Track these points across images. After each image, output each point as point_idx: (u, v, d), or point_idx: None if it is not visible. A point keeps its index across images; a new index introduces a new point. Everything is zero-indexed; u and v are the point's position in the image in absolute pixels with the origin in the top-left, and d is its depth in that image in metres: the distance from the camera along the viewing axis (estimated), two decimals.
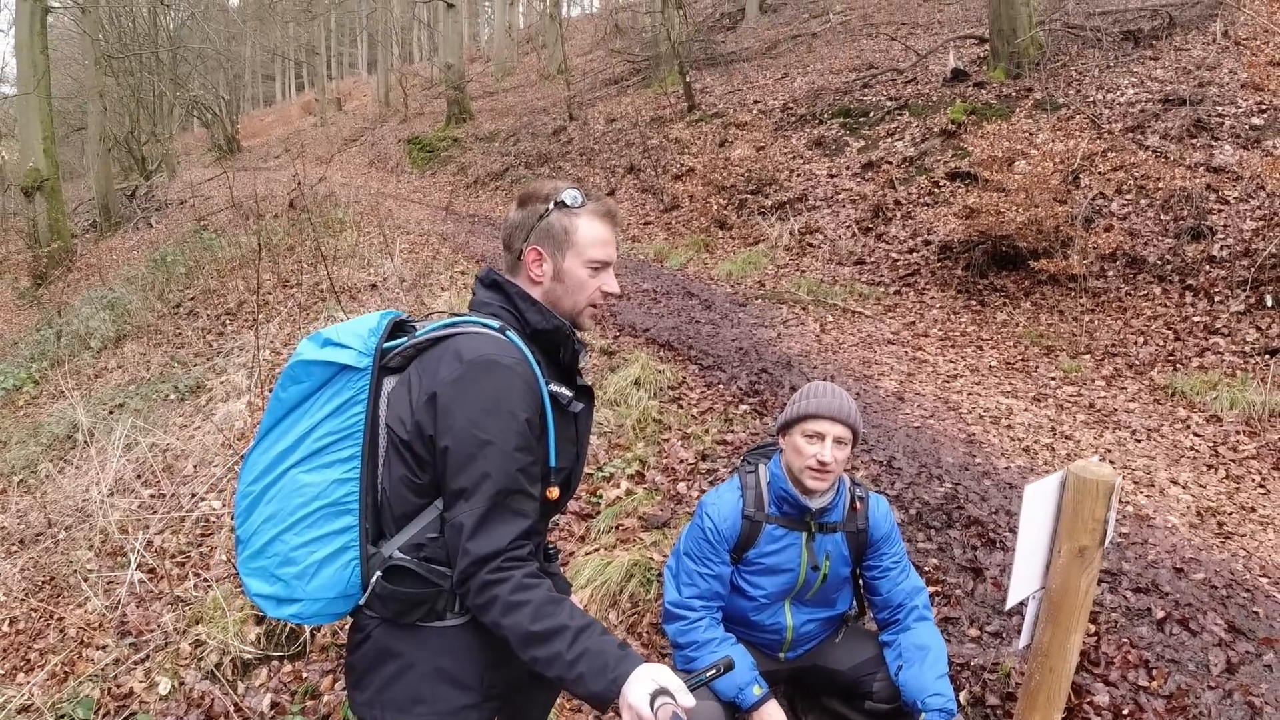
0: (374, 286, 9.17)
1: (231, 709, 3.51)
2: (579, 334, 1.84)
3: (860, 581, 2.76)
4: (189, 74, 27.13)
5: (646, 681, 1.44)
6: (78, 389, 7.66)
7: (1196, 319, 6.79)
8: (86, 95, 20.87)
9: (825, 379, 6.53)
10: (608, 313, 8.29)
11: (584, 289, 1.78)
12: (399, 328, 1.80)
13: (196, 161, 28.63)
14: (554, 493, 1.72)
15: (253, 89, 56.33)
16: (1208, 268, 7.07)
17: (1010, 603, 1.83)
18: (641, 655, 3.56)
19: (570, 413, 1.77)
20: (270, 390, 6.55)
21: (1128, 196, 8.13)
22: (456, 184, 19.47)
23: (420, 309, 8.16)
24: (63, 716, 3.43)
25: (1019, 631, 3.54)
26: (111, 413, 6.89)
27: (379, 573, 1.67)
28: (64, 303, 12.11)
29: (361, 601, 1.71)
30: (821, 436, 2.38)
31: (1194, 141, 8.48)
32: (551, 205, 1.75)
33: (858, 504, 2.62)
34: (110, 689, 3.64)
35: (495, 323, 1.71)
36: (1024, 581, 1.83)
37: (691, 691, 1.47)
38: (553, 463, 1.70)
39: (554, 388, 1.71)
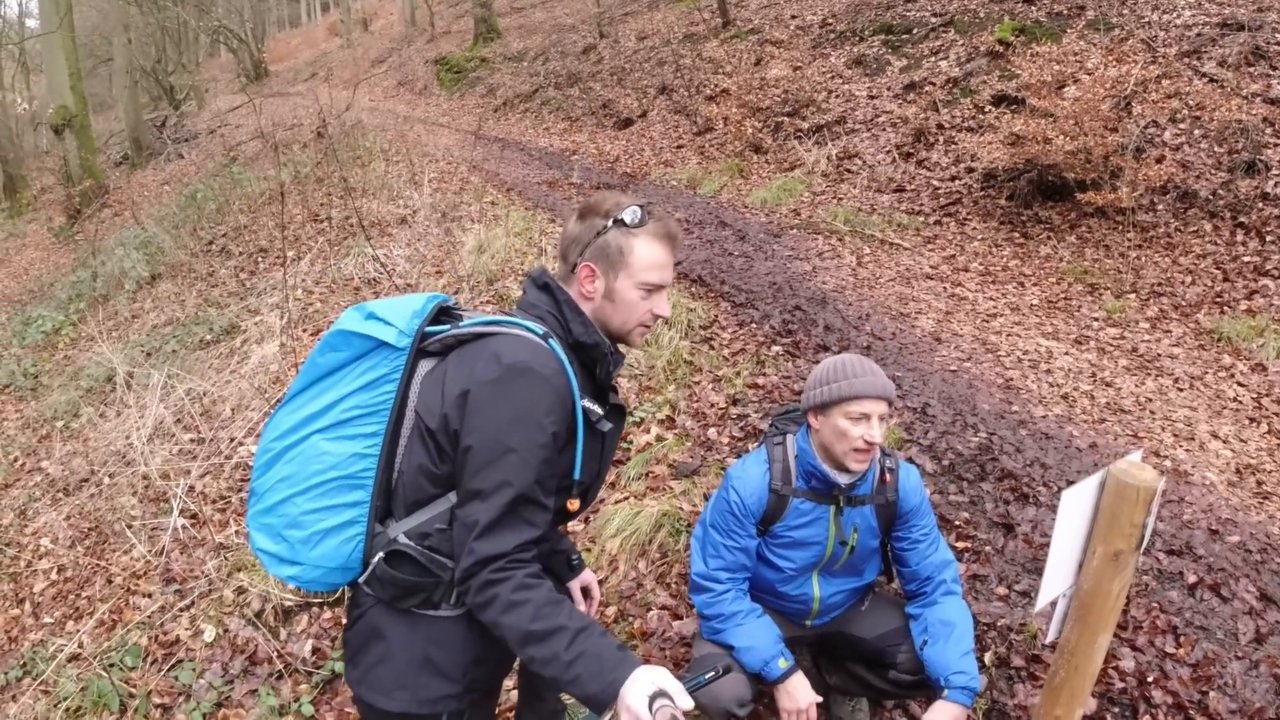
0: (404, 220, 9.10)
1: (274, 655, 3.63)
2: (620, 349, 1.82)
3: (888, 551, 2.74)
4: (212, 0, 26.67)
5: (645, 683, 1.44)
6: (115, 331, 7.79)
7: (1246, 259, 6.52)
8: (111, 27, 20.64)
9: (861, 317, 6.42)
10: None
11: (634, 310, 1.76)
12: (444, 313, 1.79)
13: (225, 88, 28.40)
14: (574, 504, 1.74)
15: (277, 12, 55.27)
16: (1261, 205, 6.76)
17: (1040, 603, 1.80)
18: (670, 605, 3.63)
19: (599, 430, 1.75)
20: (302, 330, 6.62)
21: (1181, 126, 7.73)
22: (485, 106, 19.12)
23: (450, 243, 8.11)
24: (111, 665, 3.57)
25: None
26: (149, 356, 7.01)
27: (381, 554, 1.69)
28: (99, 242, 12.22)
29: (361, 579, 1.74)
30: (866, 417, 2.32)
31: (1251, 70, 8.01)
32: (610, 223, 1.73)
33: (887, 475, 2.57)
34: (157, 636, 3.78)
35: (540, 328, 1.69)
36: (1056, 581, 1.79)
37: (690, 694, 1.47)
38: (577, 476, 1.70)
39: (587, 404, 1.69)
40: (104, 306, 9.25)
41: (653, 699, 1.42)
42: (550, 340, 1.68)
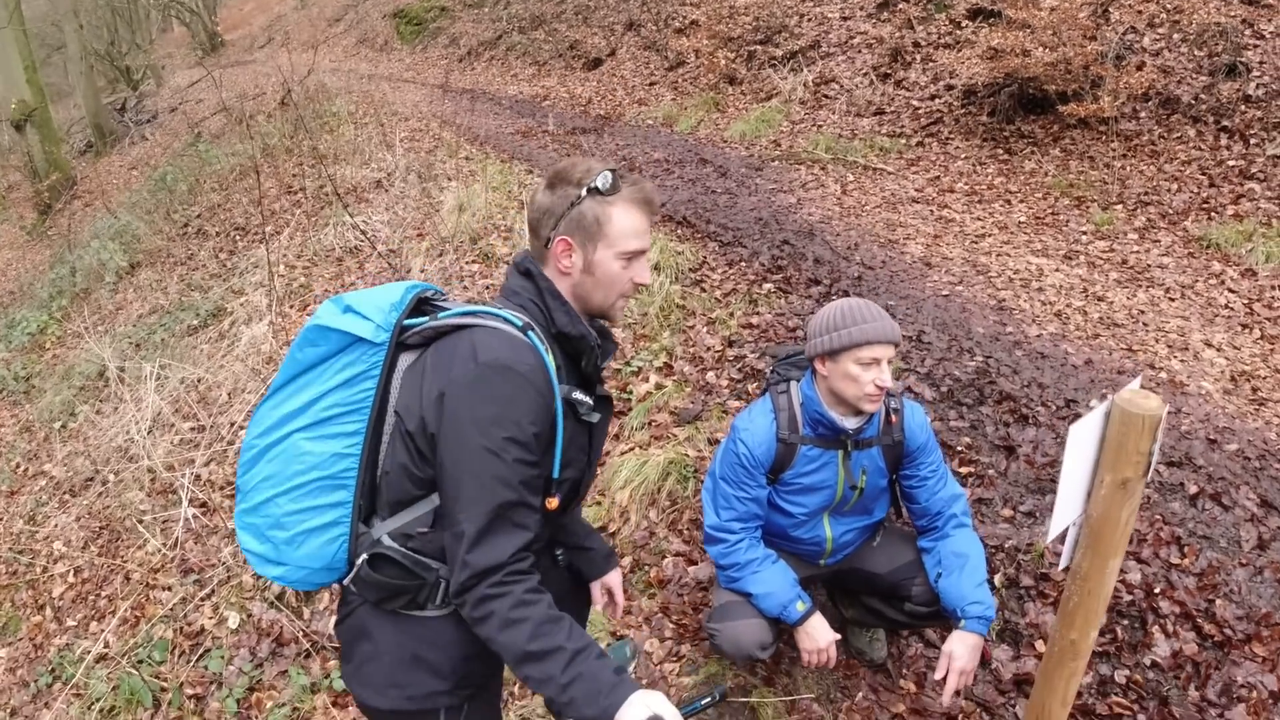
0: (379, 184, 8.95)
1: (300, 634, 3.67)
2: (613, 338, 1.76)
3: (897, 489, 2.77)
4: None
5: (640, 708, 1.42)
6: (100, 325, 7.70)
7: (1231, 163, 6.49)
8: (61, 14, 19.95)
9: (850, 247, 6.39)
10: None
11: (615, 281, 1.68)
12: (424, 302, 1.72)
13: (181, 63, 27.54)
14: (553, 503, 1.67)
15: None
16: (1243, 108, 6.71)
17: (1052, 534, 1.83)
18: (684, 551, 3.68)
19: (586, 421, 1.70)
20: (289, 307, 6.56)
21: (1160, 30, 7.62)
22: (449, 57, 18.69)
23: (429, 204, 8.00)
24: (140, 661, 3.60)
25: (1051, 511, 3.61)
26: (138, 347, 6.94)
27: (365, 557, 1.65)
28: (73, 236, 11.95)
29: (346, 580, 1.71)
30: (877, 361, 2.33)
31: None
32: (584, 192, 1.63)
33: (893, 416, 2.59)
34: (181, 628, 3.81)
35: (519, 319, 1.62)
36: (1066, 510, 1.82)
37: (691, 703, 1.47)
38: (556, 474, 1.64)
39: (578, 395, 1.65)
40: (86, 301, 9.09)
41: None
42: (530, 332, 1.61)
